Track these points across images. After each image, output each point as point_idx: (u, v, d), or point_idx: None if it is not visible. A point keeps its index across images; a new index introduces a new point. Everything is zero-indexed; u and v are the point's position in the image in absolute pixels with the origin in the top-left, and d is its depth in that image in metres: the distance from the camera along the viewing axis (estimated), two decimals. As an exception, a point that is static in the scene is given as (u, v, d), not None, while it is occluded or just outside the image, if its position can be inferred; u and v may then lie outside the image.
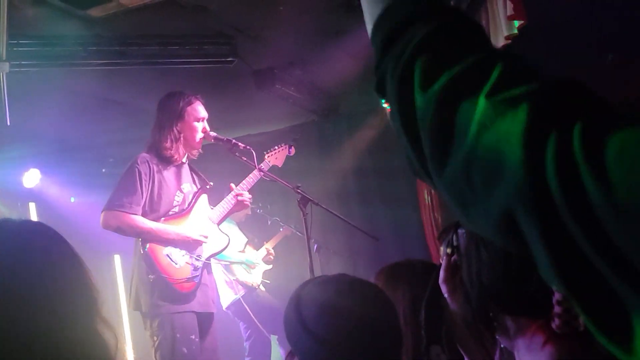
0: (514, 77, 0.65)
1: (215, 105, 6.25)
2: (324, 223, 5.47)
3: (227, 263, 5.44)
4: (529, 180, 0.59)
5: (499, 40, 4.58)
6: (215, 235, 3.88)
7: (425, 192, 6.03)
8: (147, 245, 3.62)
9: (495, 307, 1.22)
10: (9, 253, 1.15)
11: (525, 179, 0.59)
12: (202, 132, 3.81)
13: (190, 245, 3.70)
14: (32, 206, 6.51)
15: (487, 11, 4.76)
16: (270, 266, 5.94)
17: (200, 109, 3.84)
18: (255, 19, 4.83)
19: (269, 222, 5.79)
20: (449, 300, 1.36)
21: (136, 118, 5.95)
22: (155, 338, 3.58)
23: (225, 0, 4.44)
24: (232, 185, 3.99)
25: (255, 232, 6.18)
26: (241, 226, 5.80)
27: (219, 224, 3.91)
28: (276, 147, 4.25)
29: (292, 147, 4.16)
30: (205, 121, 3.85)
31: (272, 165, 4.19)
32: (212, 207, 3.93)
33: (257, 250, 5.90)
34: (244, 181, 4.00)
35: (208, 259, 3.82)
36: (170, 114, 3.75)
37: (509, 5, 4.21)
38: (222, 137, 3.90)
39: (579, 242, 0.55)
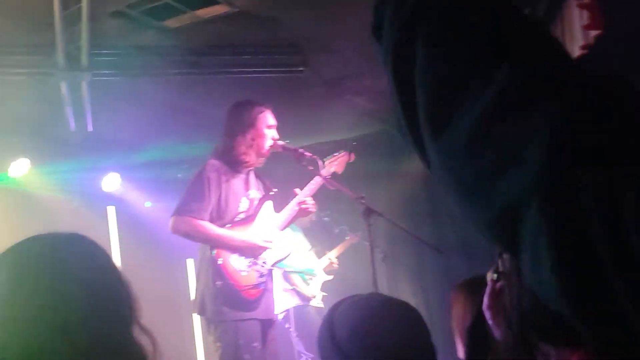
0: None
1: (285, 113, 6.33)
2: (391, 233, 5.44)
3: (288, 271, 5.48)
4: (555, 174, 0.48)
5: (574, 50, 4.46)
6: (280, 242, 3.92)
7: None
8: (215, 252, 3.69)
9: (535, 334, 1.19)
10: (55, 262, 1.20)
11: (551, 170, 0.48)
12: (272, 139, 3.87)
13: (255, 251, 3.76)
14: (110, 210, 6.74)
15: (562, 20, 4.64)
16: (331, 277, 5.89)
17: (270, 118, 3.93)
18: (325, 29, 4.86)
19: (336, 231, 5.80)
20: (492, 327, 1.33)
21: (209, 126, 6.10)
22: (218, 344, 3.65)
23: (296, 11, 4.51)
24: (297, 190, 4.02)
25: (321, 240, 6.21)
26: (306, 233, 5.83)
27: (282, 229, 3.95)
28: (336, 154, 4.25)
29: (352, 154, 4.14)
30: (274, 129, 3.89)
31: (333, 172, 4.17)
32: (276, 213, 3.97)
33: (319, 259, 5.90)
34: (306, 187, 4.04)
35: (273, 265, 3.86)
36: (243, 122, 3.86)
37: (585, 15, 4.09)
38: (290, 147, 3.95)
39: (609, 276, 0.47)
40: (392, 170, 7.00)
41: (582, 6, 4.05)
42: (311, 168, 3.92)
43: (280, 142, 3.94)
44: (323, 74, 5.53)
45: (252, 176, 3.96)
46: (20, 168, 6.03)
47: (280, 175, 5.41)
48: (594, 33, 4.13)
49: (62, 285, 1.16)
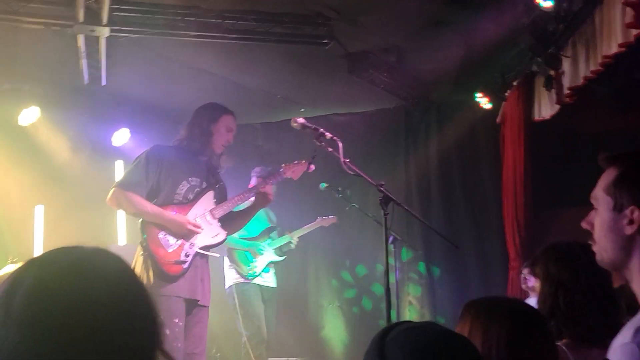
0: None
1: (305, 83, 6.24)
2: (402, 214, 5.36)
3: (231, 247, 5.62)
4: None
5: (611, 47, 4.30)
6: (213, 230, 4.01)
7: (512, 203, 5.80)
8: (145, 225, 3.84)
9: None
10: (82, 274, 1.14)
11: None
12: (226, 142, 4.09)
13: (183, 232, 3.86)
14: (118, 164, 6.66)
15: (601, 14, 4.46)
16: (281, 258, 5.93)
17: (233, 123, 4.12)
18: (355, 2, 4.72)
19: (347, 209, 5.71)
20: None
21: (225, 89, 5.99)
22: None
23: (326, -18, 4.36)
24: (260, 179, 4.34)
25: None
26: (310, 207, 5.84)
27: (220, 219, 4.04)
28: (296, 161, 4.24)
29: (312, 165, 4.13)
30: (231, 134, 4.10)
31: (288, 178, 4.22)
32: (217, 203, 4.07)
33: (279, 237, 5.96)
34: (270, 177, 4.23)
35: (202, 248, 3.94)
36: (207, 117, 4.04)
37: (629, 12, 3.92)
38: (310, 125, 3.82)
39: None
40: (408, 148, 6.89)
41: (628, 3, 3.87)
42: (330, 149, 3.79)
43: (300, 120, 3.82)
44: (347, 47, 5.39)
45: (201, 165, 4.05)
46: (31, 116, 5.92)
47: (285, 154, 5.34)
48: (635, 32, 3.97)
49: (89, 298, 1.10)
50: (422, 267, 6.65)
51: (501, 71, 5.66)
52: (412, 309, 6.65)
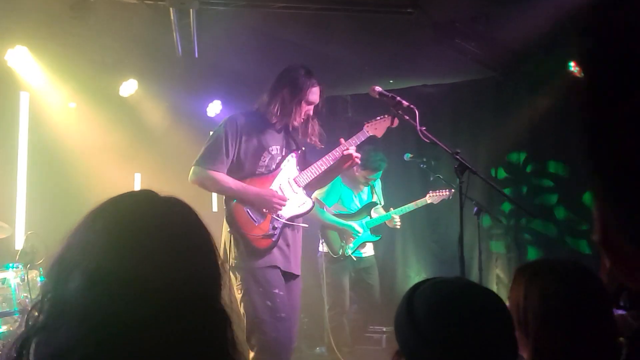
0: None
1: (391, 53, 6.22)
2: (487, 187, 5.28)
3: (324, 223, 5.54)
4: None
5: None
6: (299, 198, 3.94)
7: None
8: (233, 202, 3.79)
9: None
10: (150, 219, 1.23)
11: None
12: (306, 114, 3.92)
13: (270, 207, 3.80)
14: (212, 135, 6.91)
15: None
16: (376, 238, 5.75)
17: (316, 95, 3.91)
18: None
19: (431, 179, 5.69)
20: None
21: (314, 60, 6.06)
22: (240, 291, 3.72)
23: (409, -51, 4.32)
24: (342, 139, 4.00)
25: (416, 188, 6.13)
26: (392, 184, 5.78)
27: (305, 187, 3.97)
28: (378, 118, 4.10)
29: (396, 119, 3.93)
30: (312, 107, 3.92)
31: (372, 136, 4.09)
32: (301, 170, 3.99)
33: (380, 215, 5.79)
34: (353, 137, 4.02)
35: (289, 219, 3.88)
36: (291, 86, 3.84)
37: None
38: (387, 94, 3.82)
39: None
40: (498, 120, 6.74)
41: None
42: (407, 118, 3.79)
43: (378, 89, 3.83)
44: (433, 17, 5.32)
45: (279, 133, 3.94)
46: (130, 88, 6.26)
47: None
48: None
49: (156, 241, 1.19)
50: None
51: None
52: (499, 282, 6.56)
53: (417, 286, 1.48)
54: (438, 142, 3.74)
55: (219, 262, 1.26)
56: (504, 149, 6.66)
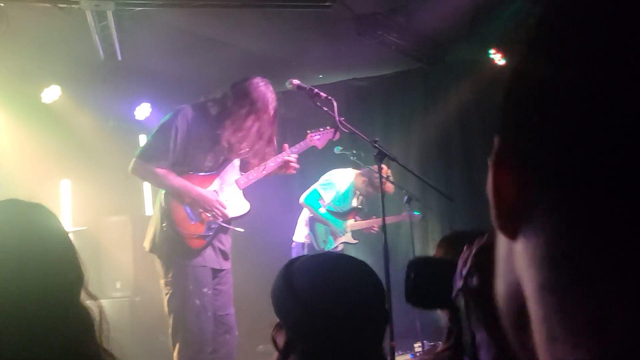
0: None
1: (318, 48, 6.24)
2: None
3: (315, 217, 5.64)
4: None
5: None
6: (238, 200, 3.97)
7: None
8: (169, 196, 3.77)
9: None
10: (14, 230, 1.25)
11: None
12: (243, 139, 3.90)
13: (209, 210, 3.81)
14: (142, 138, 6.81)
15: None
16: (355, 242, 5.91)
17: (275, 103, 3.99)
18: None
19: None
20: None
21: (238, 58, 6.04)
22: (168, 288, 3.74)
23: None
24: (286, 145, 4.06)
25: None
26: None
27: (243, 187, 4.01)
28: (321, 129, 4.20)
29: (338, 132, 3.96)
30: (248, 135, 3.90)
31: (312, 146, 4.20)
32: (242, 173, 4.04)
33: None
34: (296, 145, 4.10)
35: (227, 222, 3.90)
36: (249, 100, 3.90)
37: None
38: (304, 86, 3.85)
39: None
40: (427, 109, 6.86)
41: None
42: (325, 109, 3.82)
43: (295, 81, 3.85)
44: (354, 10, 5.37)
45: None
46: (52, 94, 6.12)
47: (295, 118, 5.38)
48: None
49: (8, 247, 1.21)
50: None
51: (512, 23, 5.56)
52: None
53: (292, 262, 1.53)
54: (356, 132, 3.79)
55: (78, 265, 1.30)
56: (435, 137, 6.77)
